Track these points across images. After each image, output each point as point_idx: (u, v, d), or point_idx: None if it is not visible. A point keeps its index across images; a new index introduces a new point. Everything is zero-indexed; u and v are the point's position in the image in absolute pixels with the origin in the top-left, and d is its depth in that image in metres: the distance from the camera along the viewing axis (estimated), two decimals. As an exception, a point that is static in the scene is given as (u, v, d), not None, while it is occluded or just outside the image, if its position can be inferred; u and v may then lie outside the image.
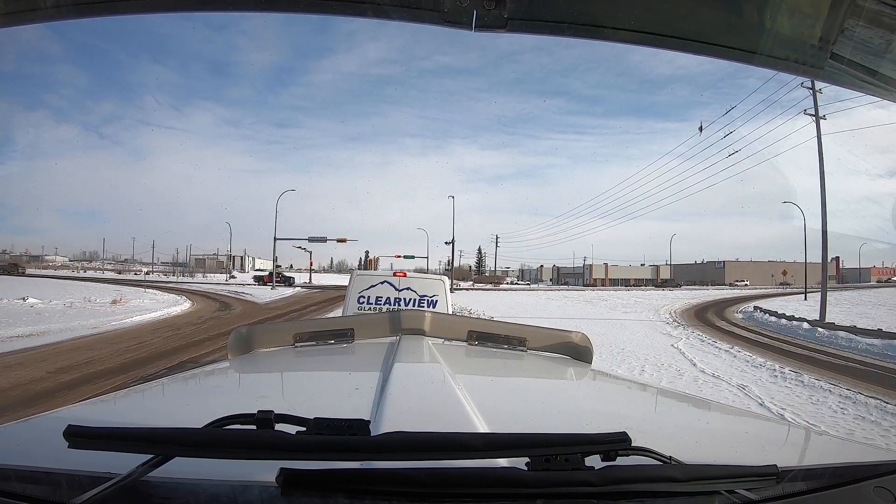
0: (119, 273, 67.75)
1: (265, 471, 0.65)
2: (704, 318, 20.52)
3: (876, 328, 13.42)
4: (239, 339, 1.74)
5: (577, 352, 1.81)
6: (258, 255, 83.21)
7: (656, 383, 6.65)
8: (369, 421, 0.72)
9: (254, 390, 1.39)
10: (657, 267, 78.29)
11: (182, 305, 20.97)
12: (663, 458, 0.73)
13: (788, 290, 43.72)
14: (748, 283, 66.58)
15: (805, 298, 29.14)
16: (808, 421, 5.82)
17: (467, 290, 48.43)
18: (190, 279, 55.34)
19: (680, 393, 1.89)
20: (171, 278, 55.08)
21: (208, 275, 63.49)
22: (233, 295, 30.13)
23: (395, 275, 6.07)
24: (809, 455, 1.09)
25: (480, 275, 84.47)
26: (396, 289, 5.89)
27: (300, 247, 45.04)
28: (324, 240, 42.53)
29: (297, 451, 0.64)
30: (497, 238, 78.72)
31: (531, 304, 27.46)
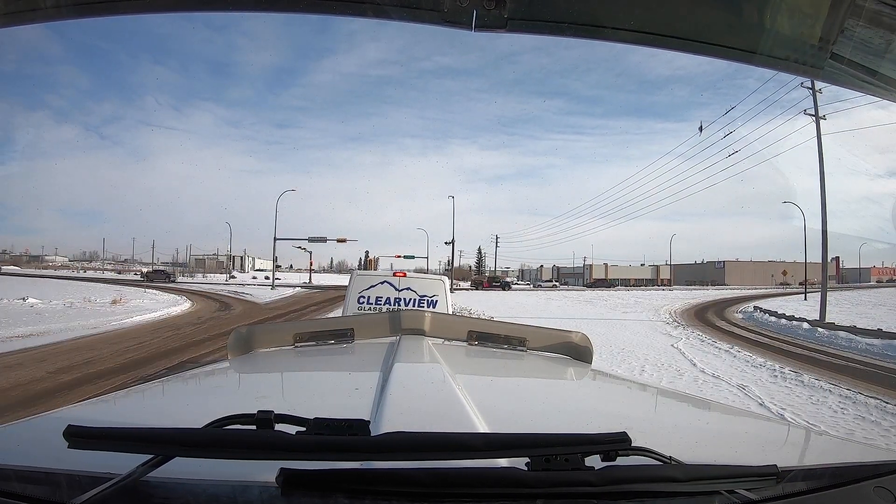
0: (119, 273, 67.76)
1: (265, 471, 0.65)
2: (704, 318, 20.52)
3: (876, 328, 13.42)
4: (239, 339, 1.74)
5: (577, 352, 1.81)
6: (258, 255, 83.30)
7: (656, 383, 6.65)
8: (369, 421, 0.72)
9: (254, 390, 1.39)
10: (657, 267, 78.29)
11: (182, 305, 20.97)
12: (663, 458, 0.73)
13: (788, 291, 43.70)
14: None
15: (805, 298, 29.15)
16: (808, 421, 5.82)
17: (467, 290, 48.39)
18: (190, 279, 55.34)
19: (680, 393, 1.89)
20: (175, 278, 55.08)
21: (208, 275, 63.48)
22: (233, 295, 30.14)
23: (395, 275, 6.05)
24: (809, 455, 1.09)
25: (480, 275, 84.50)
26: (396, 289, 5.87)
27: (300, 247, 45.14)
28: (324, 240, 42.58)
29: (297, 451, 0.64)
30: (497, 238, 78.78)
31: (531, 305, 27.46)
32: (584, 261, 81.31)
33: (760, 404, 6.59)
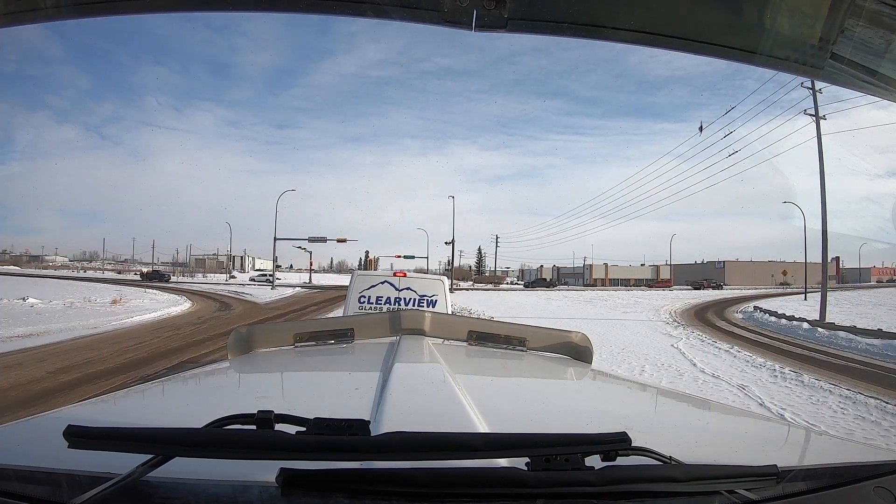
0: (119, 273, 67.75)
1: (265, 471, 0.65)
2: (704, 318, 20.52)
3: (876, 328, 13.43)
4: (239, 339, 1.74)
5: (577, 352, 1.81)
6: (258, 255, 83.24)
7: (656, 383, 6.65)
8: (369, 421, 0.72)
9: (254, 390, 1.39)
10: (657, 267, 78.26)
11: (182, 305, 20.97)
12: (663, 458, 0.73)
13: (788, 291, 43.66)
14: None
15: (805, 298, 29.14)
16: (808, 421, 5.82)
17: (467, 290, 48.39)
18: (190, 279, 55.36)
19: (680, 393, 1.89)
20: (171, 278, 55.09)
21: (208, 275, 63.48)
22: (233, 295, 30.14)
23: (395, 275, 6.12)
24: (809, 455, 1.09)
25: (480, 275, 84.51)
26: (397, 289, 5.95)
27: (300, 247, 45.15)
28: (324, 240, 42.59)
29: (297, 451, 0.64)
30: (497, 238, 78.80)
31: (531, 304, 27.46)
32: (584, 261, 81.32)
33: (760, 404, 6.59)
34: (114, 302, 19.78)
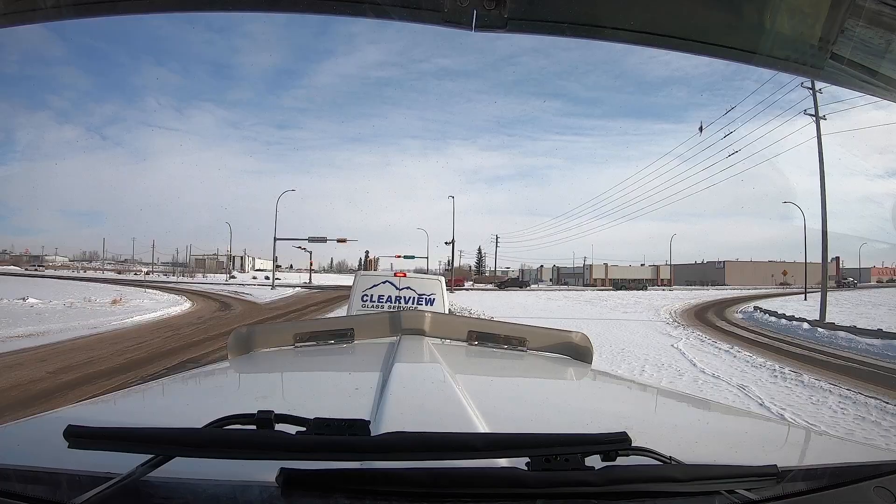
0: (119, 273, 67.77)
1: (265, 471, 0.65)
2: (704, 318, 20.52)
3: (876, 328, 13.43)
4: (239, 339, 1.74)
5: (577, 352, 1.80)
6: (258, 255, 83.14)
7: (656, 383, 6.65)
8: (369, 421, 0.72)
9: (254, 390, 1.40)
10: (657, 267, 78.22)
11: (182, 306, 20.97)
12: (663, 458, 0.73)
13: (788, 291, 43.64)
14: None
15: (805, 298, 29.14)
16: (808, 421, 5.82)
17: (467, 290, 48.40)
18: (190, 279, 55.39)
19: (680, 393, 1.89)
20: (171, 278, 55.12)
21: (208, 275, 63.50)
22: (233, 295, 30.14)
23: (395, 275, 6.62)
24: (809, 455, 1.09)
25: (480, 275, 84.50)
26: (397, 288, 6.35)
27: (300, 247, 45.17)
28: (324, 240, 42.62)
29: (297, 451, 0.64)
30: (497, 238, 78.79)
31: (531, 305, 27.46)
32: (585, 261, 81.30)
33: (760, 404, 6.59)
34: (114, 302, 19.78)
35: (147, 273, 67.03)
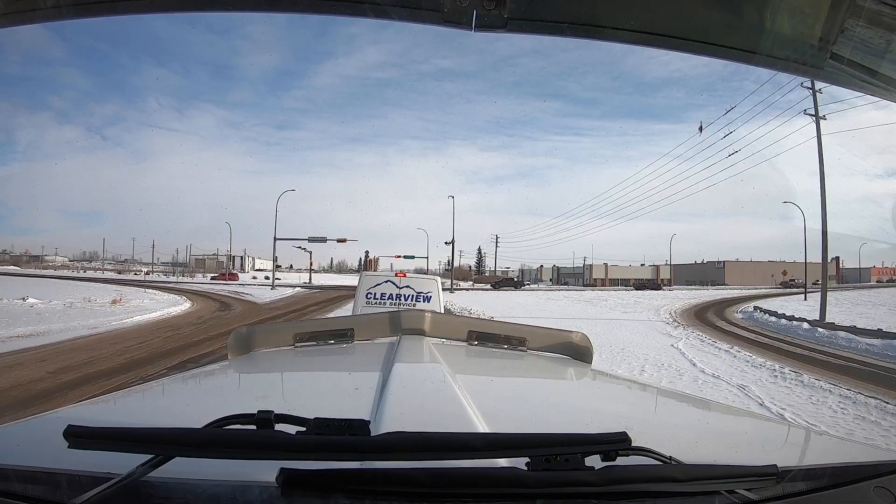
0: (119, 273, 67.75)
1: (265, 471, 0.65)
2: (704, 318, 20.52)
3: (876, 328, 13.43)
4: (239, 339, 1.74)
5: (577, 352, 1.80)
6: (258, 255, 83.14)
7: (656, 383, 6.65)
8: (369, 421, 0.72)
9: (254, 390, 1.39)
10: (657, 267, 78.22)
11: (182, 305, 20.98)
12: (663, 458, 0.73)
13: (788, 291, 43.60)
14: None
15: (805, 298, 29.14)
16: (808, 421, 5.82)
17: (467, 290, 48.39)
18: (190, 279, 55.38)
19: (680, 393, 1.89)
20: (171, 278, 55.12)
21: (208, 275, 63.48)
22: (233, 295, 30.14)
23: (396, 275, 7.66)
24: (809, 455, 1.09)
25: (480, 275, 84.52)
26: (398, 286, 7.32)
27: (300, 247, 45.17)
28: (324, 240, 42.62)
29: (297, 451, 0.64)
30: (497, 238, 78.79)
31: (531, 304, 27.46)
32: (585, 261, 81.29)
33: (760, 404, 6.59)
34: (114, 302, 19.78)
35: (147, 273, 67.00)
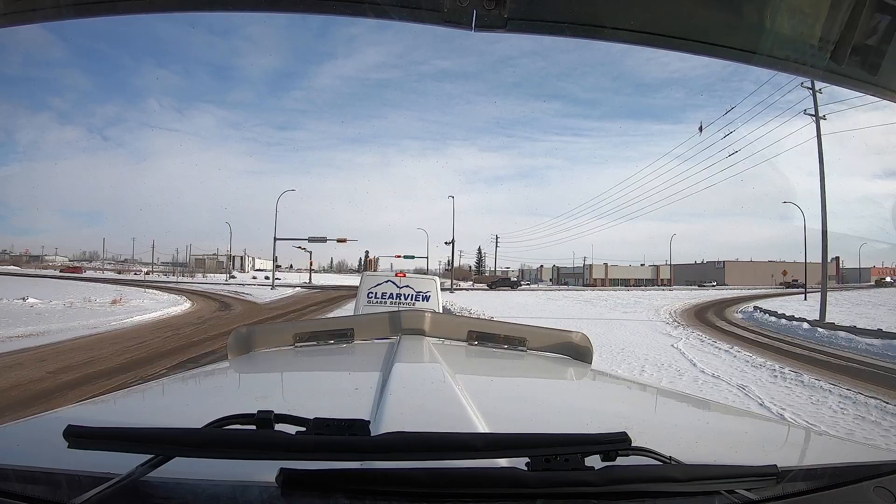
0: (119, 273, 67.71)
1: (265, 471, 0.65)
2: (704, 318, 20.52)
3: (876, 328, 13.43)
4: (239, 339, 1.74)
5: (577, 352, 1.80)
6: (258, 255, 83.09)
7: (656, 383, 6.65)
8: (369, 421, 0.72)
9: (254, 390, 1.39)
10: (657, 267, 78.20)
11: (182, 305, 20.97)
12: (663, 458, 0.73)
13: (788, 291, 43.58)
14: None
15: (805, 298, 29.14)
16: (808, 421, 5.82)
17: (467, 290, 48.39)
18: (190, 279, 55.38)
19: (680, 393, 1.89)
20: (171, 278, 55.10)
21: (208, 275, 63.48)
22: (233, 295, 30.14)
23: (396, 275, 7.99)
24: (809, 455, 1.09)
25: (480, 275, 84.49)
26: (398, 286, 7.64)
27: (300, 247, 45.15)
28: (324, 240, 42.61)
29: (297, 451, 0.64)
30: (497, 238, 78.74)
31: (531, 304, 27.46)
32: (584, 261, 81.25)
33: (760, 404, 6.59)
34: (114, 302, 19.78)
35: (147, 273, 66.95)
